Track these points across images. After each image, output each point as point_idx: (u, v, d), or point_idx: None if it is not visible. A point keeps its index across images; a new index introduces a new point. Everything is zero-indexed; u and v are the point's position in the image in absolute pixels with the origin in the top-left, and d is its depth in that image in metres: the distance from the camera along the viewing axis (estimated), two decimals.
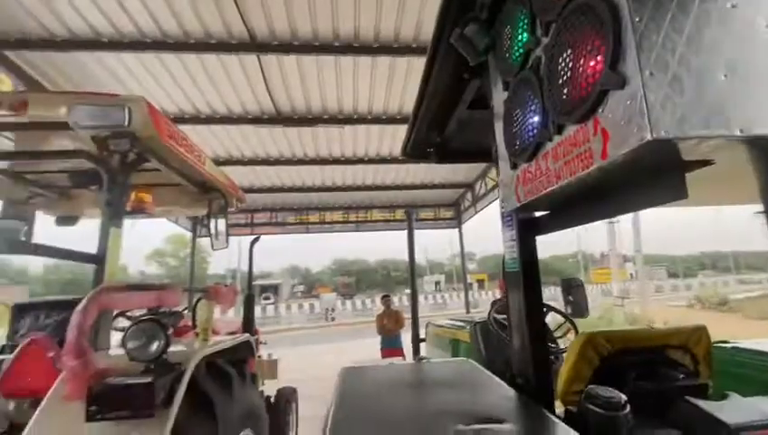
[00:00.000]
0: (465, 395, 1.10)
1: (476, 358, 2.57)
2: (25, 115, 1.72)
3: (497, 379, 1.22)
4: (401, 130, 6.05)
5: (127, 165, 1.93)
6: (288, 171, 7.79)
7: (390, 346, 6.29)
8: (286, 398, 4.15)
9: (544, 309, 2.85)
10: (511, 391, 1.09)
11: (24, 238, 2.79)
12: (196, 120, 5.40)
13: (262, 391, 3.11)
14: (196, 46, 4.02)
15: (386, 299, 6.80)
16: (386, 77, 4.88)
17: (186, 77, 4.59)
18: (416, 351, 2.72)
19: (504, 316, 2.33)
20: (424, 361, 1.79)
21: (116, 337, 1.97)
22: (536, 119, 0.84)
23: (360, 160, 7.13)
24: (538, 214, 1.12)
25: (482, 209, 8.72)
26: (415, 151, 1.98)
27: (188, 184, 2.50)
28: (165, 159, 2.09)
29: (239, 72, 4.60)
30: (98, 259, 1.83)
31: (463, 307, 11.15)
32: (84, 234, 2.05)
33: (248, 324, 3.46)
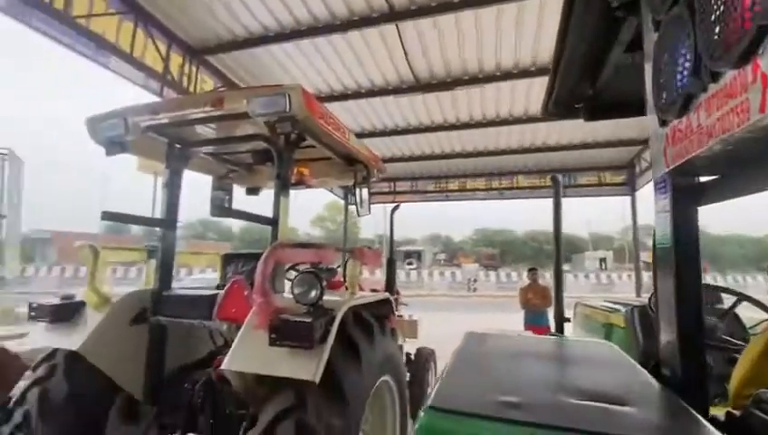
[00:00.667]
0: (590, 375, 1.05)
1: (630, 347, 2.31)
2: (222, 109, 2.30)
3: (639, 367, 1.11)
4: None
5: (291, 143, 2.38)
6: (428, 139, 7.99)
7: (534, 322, 6.04)
8: (425, 356, 4.52)
9: (736, 298, 2.31)
10: (651, 381, 0.99)
11: (227, 205, 3.75)
12: (344, 96, 6.03)
13: (401, 346, 3.47)
14: (342, 26, 4.46)
15: (533, 272, 6.48)
16: (534, 21, 4.44)
17: (334, 57, 5.16)
18: (559, 330, 2.60)
19: None
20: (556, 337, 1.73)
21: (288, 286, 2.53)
22: (687, 65, 0.70)
23: (504, 122, 6.77)
24: (703, 179, 0.93)
25: None
26: (559, 108, 1.80)
27: (336, 157, 2.88)
28: (317, 136, 2.47)
29: (380, 45, 4.89)
30: (273, 222, 2.36)
31: (632, 290, 9.68)
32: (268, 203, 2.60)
33: (389, 285, 3.86)
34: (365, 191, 3.26)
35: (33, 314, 2.30)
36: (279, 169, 2.38)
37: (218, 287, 2.87)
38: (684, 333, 0.95)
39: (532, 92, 5.82)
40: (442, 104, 6.38)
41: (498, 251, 44.35)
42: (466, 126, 7.04)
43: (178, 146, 2.70)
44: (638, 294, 8.36)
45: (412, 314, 4.87)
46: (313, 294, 1.85)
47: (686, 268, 0.96)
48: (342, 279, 2.69)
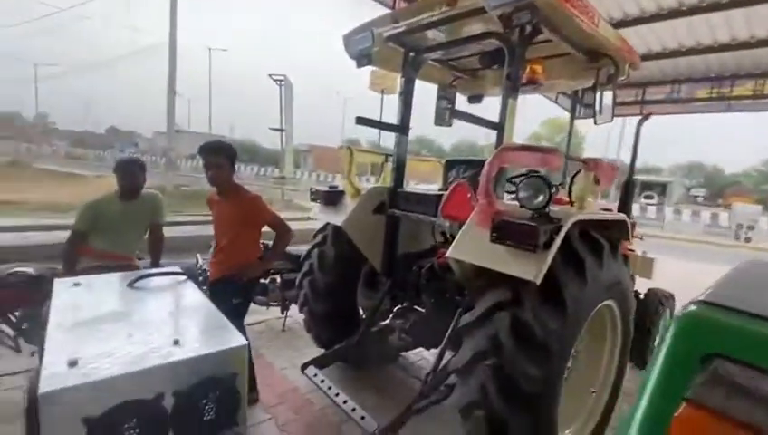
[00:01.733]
0: None
1: None
2: (456, 8, 2.32)
3: None
4: None
5: (525, 38, 2.23)
6: (699, 22, 5.77)
7: None
8: (660, 299, 3.95)
9: None
10: None
11: (449, 113, 3.95)
12: None
13: (633, 278, 3.12)
14: None
15: None
16: None
17: None
18: None
19: None
20: None
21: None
22: None
23: None
24: None
25: None
26: None
27: (576, 52, 2.54)
28: (558, 27, 2.21)
29: None
30: (499, 126, 2.37)
31: None
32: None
33: (624, 208, 3.40)
34: (608, 94, 2.81)
35: (312, 196, 3.18)
36: (509, 69, 2.30)
37: (441, 190, 3.21)
38: None
39: None
40: None
41: None
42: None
43: (412, 54, 2.93)
44: None
45: (646, 251, 4.21)
46: (540, 199, 1.84)
47: None
48: (568, 196, 2.53)
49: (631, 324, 2.56)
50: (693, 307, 0.76)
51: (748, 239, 19.67)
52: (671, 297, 4.20)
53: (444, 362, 2.45)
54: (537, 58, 2.79)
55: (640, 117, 3.80)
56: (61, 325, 1.46)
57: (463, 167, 2.93)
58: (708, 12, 5.51)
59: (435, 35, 2.72)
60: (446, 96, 3.85)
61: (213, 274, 2.82)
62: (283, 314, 4.15)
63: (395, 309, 2.97)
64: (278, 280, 4.19)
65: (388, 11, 3.05)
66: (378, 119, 2.94)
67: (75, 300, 1.73)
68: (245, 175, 36.80)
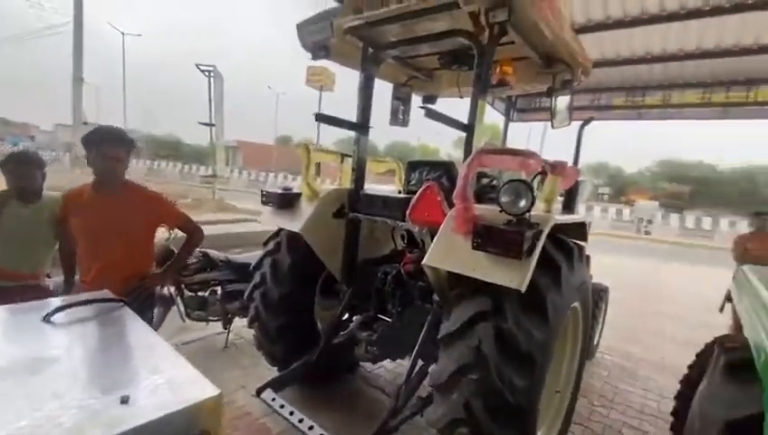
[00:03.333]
0: None
1: None
2: (427, 1, 2.20)
3: None
4: None
5: (494, 38, 2.17)
6: (621, 37, 6.37)
7: None
8: (599, 293, 4.21)
9: None
10: None
11: (402, 116, 3.85)
12: None
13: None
14: None
15: (762, 217, 5.11)
16: None
17: None
18: None
19: None
20: None
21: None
22: None
23: (754, 5, 4.91)
24: None
25: None
26: None
27: (536, 56, 2.56)
28: (528, 29, 2.19)
29: None
30: (468, 127, 2.30)
31: None
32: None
33: (570, 209, 3.55)
34: (564, 99, 2.89)
35: (263, 199, 2.88)
36: (479, 69, 2.24)
37: (401, 193, 3.08)
38: None
39: None
40: None
41: (688, 189, 36.53)
42: (693, 14, 5.37)
43: (372, 50, 2.76)
44: None
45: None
46: (522, 204, 1.78)
47: None
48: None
49: (590, 322, 2.65)
50: None
51: (648, 232, 22.40)
52: (606, 290, 4.53)
53: (415, 373, 2.34)
54: (504, 59, 2.77)
55: (584, 120, 3.99)
56: None
57: (426, 169, 2.83)
58: (634, 26, 6.05)
59: (399, 30, 2.58)
60: (400, 96, 3.74)
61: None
62: (225, 329, 3.76)
63: (357, 319, 2.79)
64: (218, 292, 3.79)
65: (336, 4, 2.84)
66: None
67: None
68: (169, 173, 33.85)
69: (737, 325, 1.94)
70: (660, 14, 5.54)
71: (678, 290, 8.62)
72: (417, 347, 2.33)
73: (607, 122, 8.71)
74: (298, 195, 2.78)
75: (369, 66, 2.78)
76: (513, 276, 1.69)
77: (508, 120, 7.10)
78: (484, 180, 3.02)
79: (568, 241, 2.12)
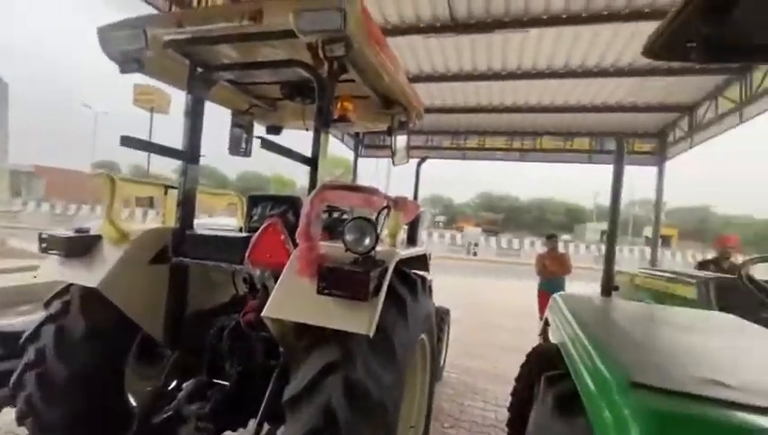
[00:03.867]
0: (756, 348, 0.94)
1: None
2: (260, 25, 2.02)
3: None
4: (605, 31, 5.06)
5: (334, 72, 2.13)
6: (445, 89, 7.57)
7: (551, 290, 6.05)
8: (441, 316, 4.51)
9: None
10: None
11: (244, 145, 3.52)
12: None
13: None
14: None
15: (552, 239, 6.42)
16: None
17: None
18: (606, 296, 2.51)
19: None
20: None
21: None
22: None
23: (540, 75, 6.39)
24: None
25: (702, 142, 6.94)
26: (668, 47, 1.56)
27: (375, 96, 2.64)
28: (364, 67, 2.21)
29: None
30: (312, 161, 2.17)
31: (631, 263, 9.72)
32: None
33: (413, 241, 3.75)
34: (402, 139, 3.05)
35: (44, 245, 2.16)
36: (320, 102, 2.15)
37: (242, 230, 2.74)
38: None
39: (580, 42, 5.42)
40: (475, 49, 5.97)
41: (501, 217, 44.55)
42: (497, 76, 6.64)
43: (200, 69, 2.44)
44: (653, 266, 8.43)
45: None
46: (367, 242, 1.71)
47: None
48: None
49: (436, 350, 2.73)
50: (635, 394, 0.70)
51: (475, 254, 26.21)
52: (448, 312, 4.91)
53: None
54: (345, 95, 2.77)
55: (419, 159, 4.33)
56: None
57: (270, 203, 2.57)
58: (454, 80, 7.12)
59: (232, 52, 2.34)
60: (241, 124, 3.43)
61: None
62: None
63: (186, 387, 2.28)
64: None
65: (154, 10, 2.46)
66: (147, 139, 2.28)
67: None
68: None
69: (546, 336, 2.23)
70: (472, 72, 6.74)
71: (502, 301, 10.12)
72: (261, 411, 2.00)
73: (438, 164, 10.14)
74: (97, 238, 2.17)
75: (197, 87, 2.43)
76: (361, 321, 1.57)
77: (357, 155, 7.43)
78: (336, 214, 2.93)
79: (411, 274, 2.14)
